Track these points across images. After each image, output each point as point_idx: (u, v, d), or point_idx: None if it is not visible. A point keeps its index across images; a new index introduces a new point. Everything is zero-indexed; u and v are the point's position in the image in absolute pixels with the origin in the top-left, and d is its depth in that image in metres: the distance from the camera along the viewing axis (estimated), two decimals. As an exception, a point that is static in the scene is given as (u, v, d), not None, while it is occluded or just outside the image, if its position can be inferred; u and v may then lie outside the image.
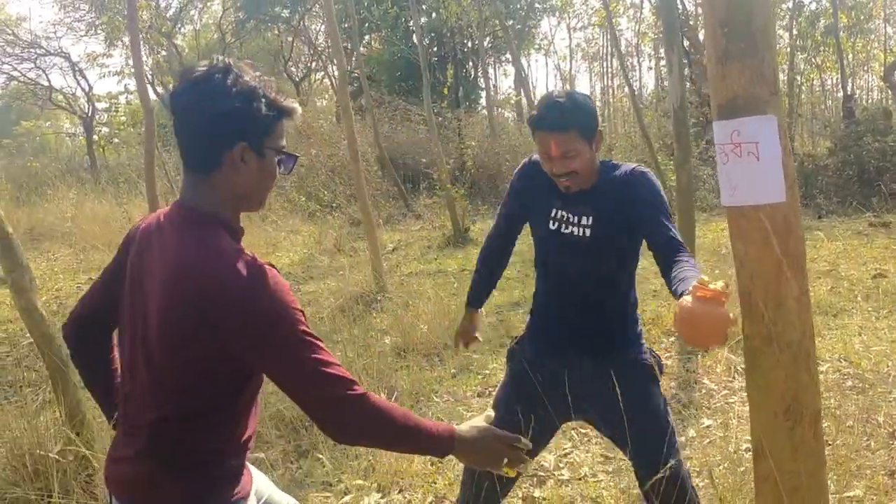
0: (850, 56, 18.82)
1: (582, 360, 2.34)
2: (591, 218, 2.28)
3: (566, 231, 2.32)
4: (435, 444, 1.56)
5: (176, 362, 1.46)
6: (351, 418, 1.47)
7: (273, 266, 1.47)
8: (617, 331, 2.40)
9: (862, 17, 17.98)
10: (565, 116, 2.17)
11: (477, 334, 2.70)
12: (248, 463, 1.68)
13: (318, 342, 1.45)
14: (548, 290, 2.47)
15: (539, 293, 2.53)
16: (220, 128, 1.46)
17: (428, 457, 3.58)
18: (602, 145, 2.31)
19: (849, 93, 15.37)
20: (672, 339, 5.12)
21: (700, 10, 15.36)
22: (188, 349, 1.44)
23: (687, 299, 1.65)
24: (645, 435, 2.25)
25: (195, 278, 1.41)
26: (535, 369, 2.40)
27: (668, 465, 2.20)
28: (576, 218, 2.31)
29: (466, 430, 1.60)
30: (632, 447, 2.31)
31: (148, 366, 1.50)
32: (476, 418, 1.68)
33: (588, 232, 2.29)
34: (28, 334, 5.61)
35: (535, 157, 2.42)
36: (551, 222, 2.35)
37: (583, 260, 2.32)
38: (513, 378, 2.48)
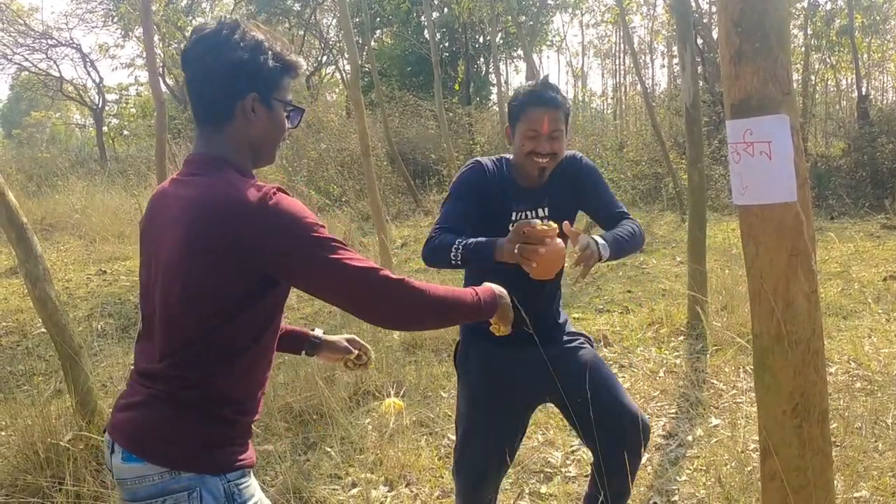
0: (866, 56, 18.67)
1: (531, 349, 2.32)
2: (546, 208, 2.39)
3: None
4: (482, 307, 1.65)
5: (196, 300, 1.46)
6: (404, 298, 1.49)
7: (283, 190, 1.49)
8: (557, 312, 2.53)
9: (878, 18, 17.84)
10: (558, 96, 2.32)
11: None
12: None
13: (341, 244, 1.47)
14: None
15: None
16: (230, 78, 1.52)
17: (435, 451, 3.60)
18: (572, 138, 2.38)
19: (863, 93, 15.28)
20: (681, 338, 5.12)
21: (714, 9, 15.31)
22: (209, 284, 1.45)
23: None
24: (614, 396, 2.35)
25: (210, 208, 1.44)
26: (487, 367, 2.40)
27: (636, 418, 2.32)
28: (533, 213, 2.38)
29: (497, 288, 1.75)
30: (606, 405, 2.32)
31: (166, 309, 1.50)
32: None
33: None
34: (39, 324, 5.67)
35: (480, 158, 2.46)
36: (511, 225, 2.26)
37: None
38: (468, 385, 2.45)
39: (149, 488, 1.46)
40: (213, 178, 1.49)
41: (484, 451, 2.41)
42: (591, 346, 2.53)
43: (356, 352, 2.07)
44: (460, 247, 2.08)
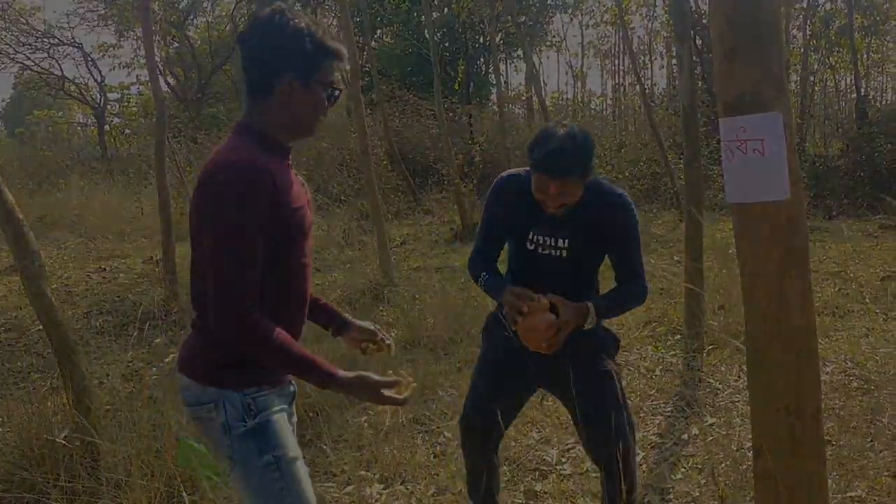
0: (865, 57, 18.67)
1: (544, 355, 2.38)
2: (566, 240, 2.37)
3: (543, 252, 2.41)
4: (316, 374, 1.73)
5: (200, 243, 1.71)
6: (238, 330, 1.65)
7: (264, 170, 1.65)
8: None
9: (878, 18, 17.82)
10: (569, 164, 2.20)
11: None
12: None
13: (240, 250, 1.63)
14: None
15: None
16: (270, 60, 1.72)
17: (430, 448, 3.60)
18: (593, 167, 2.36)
19: (862, 94, 15.26)
20: (678, 336, 5.12)
21: (713, 9, 15.31)
22: (201, 231, 1.70)
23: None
24: (598, 413, 2.37)
25: (208, 165, 1.70)
26: (506, 344, 2.47)
27: (619, 444, 2.34)
28: (552, 241, 2.39)
29: (349, 375, 1.76)
30: (585, 424, 2.42)
31: (194, 251, 1.76)
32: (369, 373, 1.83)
33: (565, 253, 2.39)
34: (36, 321, 5.67)
35: (510, 173, 2.50)
36: (528, 243, 2.43)
37: (555, 275, 2.40)
38: (486, 349, 2.63)
39: (189, 395, 1.81)
40: (229, 142, 1.74)
41: (481, 407, 2.52)
42: (617, 378, 2.47)
43: (379, 336, 2.17)
44: (482, 281, 2.46)
